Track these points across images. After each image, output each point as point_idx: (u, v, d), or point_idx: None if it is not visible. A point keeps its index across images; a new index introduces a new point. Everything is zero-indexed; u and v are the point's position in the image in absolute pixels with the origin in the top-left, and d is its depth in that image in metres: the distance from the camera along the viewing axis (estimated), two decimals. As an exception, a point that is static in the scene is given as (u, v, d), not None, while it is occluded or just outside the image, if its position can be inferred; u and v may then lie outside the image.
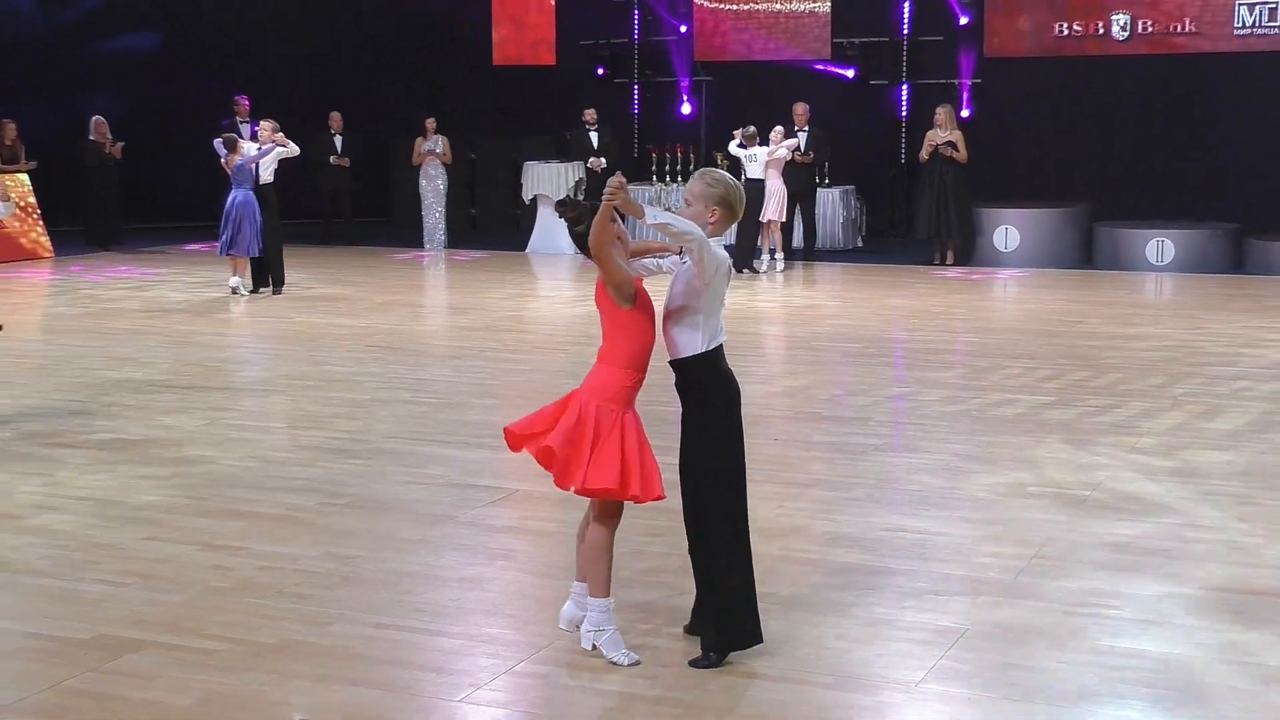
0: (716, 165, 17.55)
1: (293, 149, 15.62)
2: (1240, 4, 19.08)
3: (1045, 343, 12.55)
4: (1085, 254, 18.59)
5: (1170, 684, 5.09)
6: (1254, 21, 19.07)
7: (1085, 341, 12.58)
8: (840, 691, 5.02)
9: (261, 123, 15.99)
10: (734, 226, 5.85)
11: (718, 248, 4.99)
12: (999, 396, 10.13)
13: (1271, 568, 6.34)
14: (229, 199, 15.20)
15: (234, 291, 15.32)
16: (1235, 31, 19.17)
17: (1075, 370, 11.16)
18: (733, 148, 17.48)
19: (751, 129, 17.23)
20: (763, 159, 17.31)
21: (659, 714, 4.88)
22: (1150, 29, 19.51)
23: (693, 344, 5.04)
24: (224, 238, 15.33)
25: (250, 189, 15.22)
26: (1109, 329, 13.36)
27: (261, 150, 15.40)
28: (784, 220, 17.88)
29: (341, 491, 7.63)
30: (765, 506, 7.28)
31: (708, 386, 5.10)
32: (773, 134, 17.43)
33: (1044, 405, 9.82)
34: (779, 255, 17.78)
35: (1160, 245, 17.86)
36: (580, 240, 5.07)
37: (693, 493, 5.14)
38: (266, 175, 15.54)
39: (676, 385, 5.13)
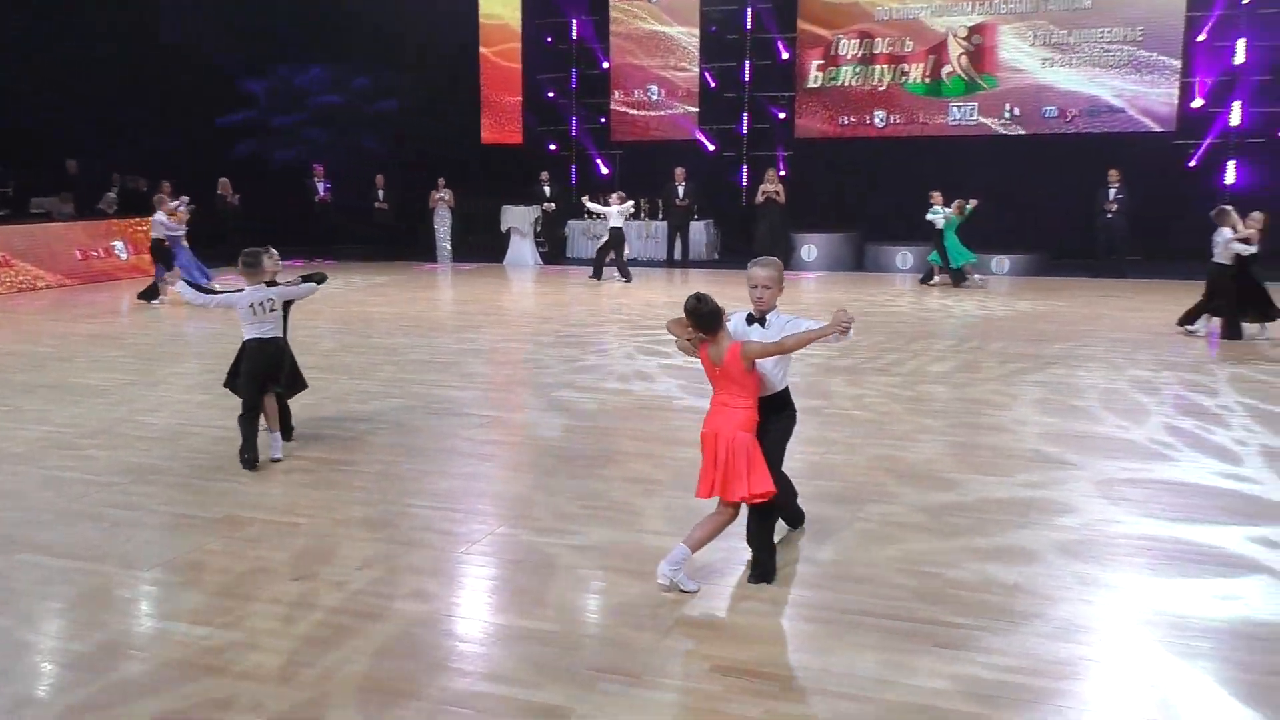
0: (585, 210, 17.53)
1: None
2: (951, 105, 19.34)
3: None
4: (858, 262, 18.78)
5: (896, 527, 5.14)
6: (961, 116, 19.34)
7: (859, 318, 12.61)
8: (674, 537, 5.04)
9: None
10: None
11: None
12: (816, 356, 10.13)
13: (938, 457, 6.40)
14: None
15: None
16: (950, 122, 19.41)
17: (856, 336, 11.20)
18: (592, 205, 17.26)
19: (618, 194, 16.95)
20: (615, 213, 16.56)
21: (582, 563, 4.88)
22: (897, 120, 19.70)
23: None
24: None
25: None
26: (873, 310, 13.46)
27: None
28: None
29: (385, 419, 7.54)
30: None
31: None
32: (613, 197, 16.75)
33: (831, 357, 9.84)
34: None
35: (904, 257, 18.06)
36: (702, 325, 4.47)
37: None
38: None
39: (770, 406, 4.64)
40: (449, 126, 22.01)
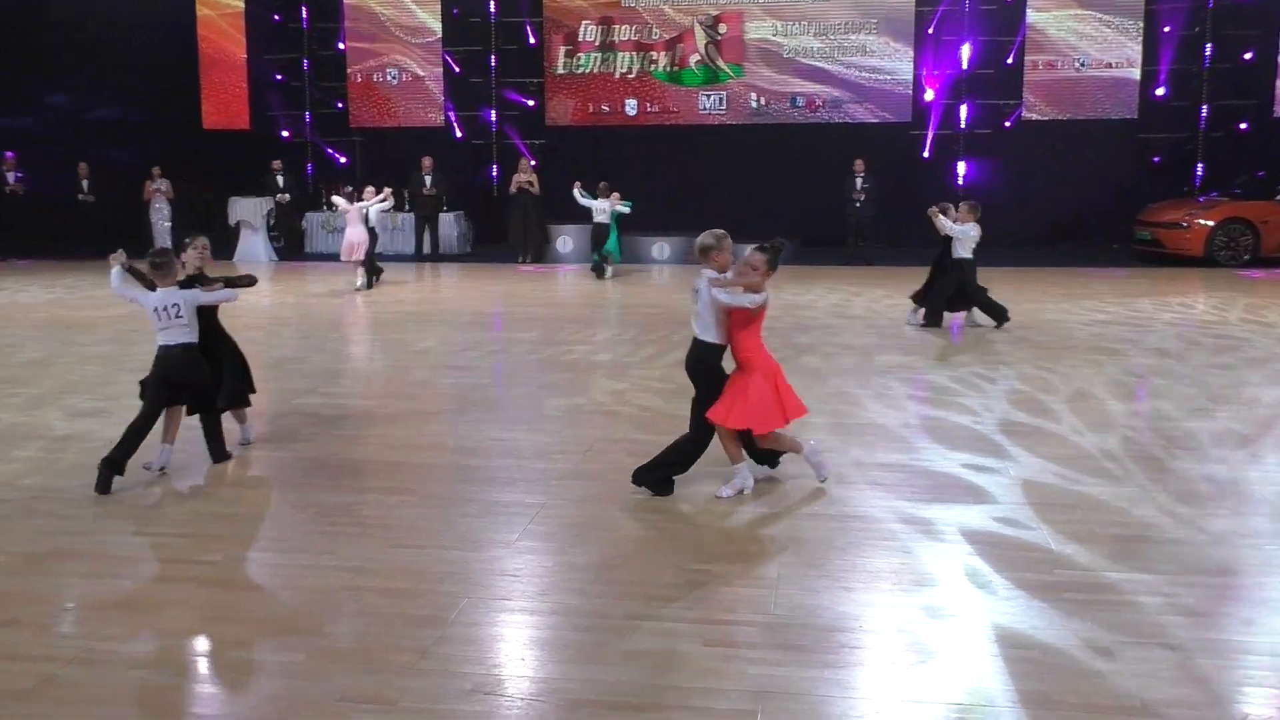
0: (331, 202, 15.41)
1: None
2: (700, 94, 19.97)
3: (594, 311, 12.73)
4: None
5: (663, 529, 5.25)
6: (710, 105, 20.01)
7: (618, 309, 12.83)
8: (462, 550, 4.95)
9: None
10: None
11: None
12: (563, 348, 10.17)
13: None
14: None
15: None
16: (700, 111, 20.04)
17: (612, 328, 11.37)
18: (340, 200, 15.08)
19: (369, 188, 15.02)
20: (368, 207, 14.79)
21: (331, 583, 4.68)
22: (651, 108, 20.14)
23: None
24: None
25: None
26: (631, 300, 13.67)
27: None
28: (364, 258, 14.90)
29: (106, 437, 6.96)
30: (407, 429, 7.09)
31: None
32: (365, 191, 14.83)
33: (592, 351, 9.93)
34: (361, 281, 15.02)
35: (661, 248, 18.49)
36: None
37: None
38: None
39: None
40: (167, 110, 20.64)
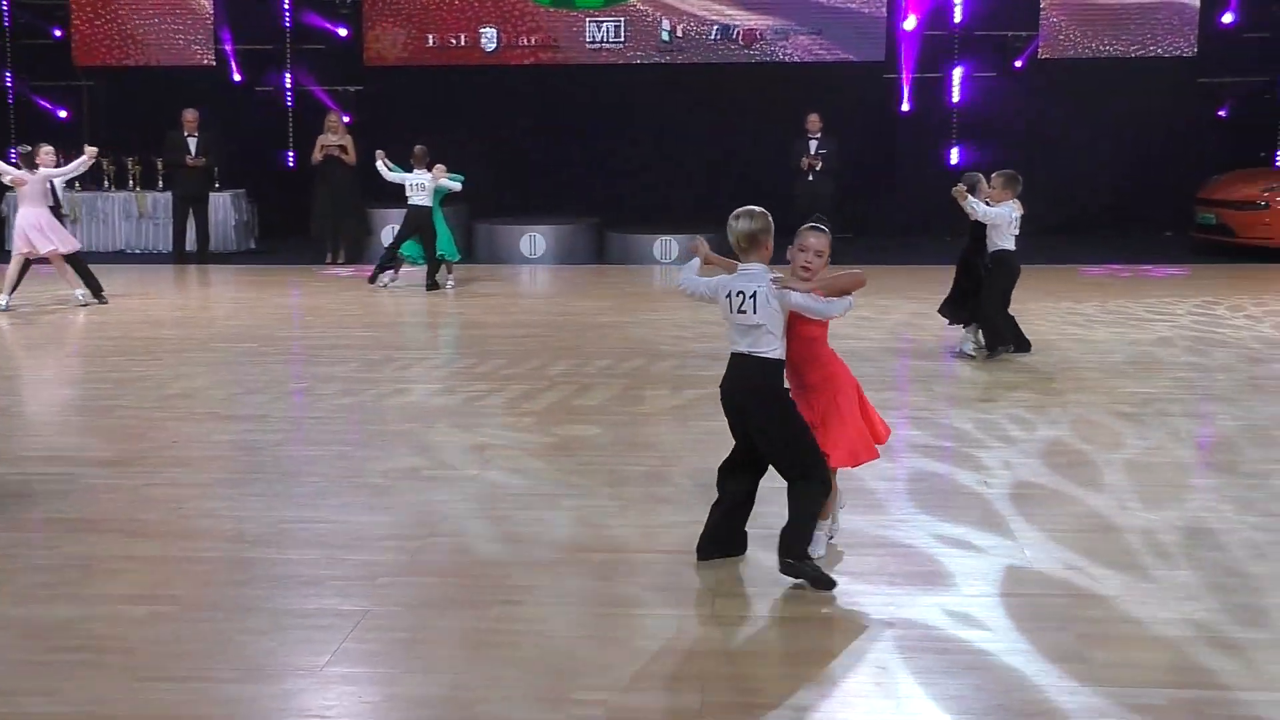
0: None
1: None
2: (590, 20, 20.15)
3: (432, 334, 12.73)
4: (466, 249, 18.99)
5: (547, 644, 5.26)
6: (603, 37, 20.20)
7: (469, 331, 12.85)
8: (245, 684, 4.88)
9: None
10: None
11: (719, 277, 5.97)
12: (391, 387, 10.15)
13: (629, 527, 6.68)
14: None
15: None
16: (588, 45, 20.23)
17: (462, 358, 11.36)
18: (6, 168, 14.59)
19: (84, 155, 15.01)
20: (60, 176, 14.89)
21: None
22: (516, 42, 20.24)
23: None
24: None
25: None
26: (491, 318, 13.70)
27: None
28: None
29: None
30: (161, 509, 7.01)
31: None
32: (41, 153, 14.38)
33: (434, 393, 9.92)
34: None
35: (533, 240, 18.55)
36: None
37: None
38: None
39: None
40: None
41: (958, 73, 20.09)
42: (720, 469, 6.13)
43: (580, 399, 9.74)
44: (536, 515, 6.89)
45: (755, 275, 5.80)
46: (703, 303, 6.15)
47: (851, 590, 5.77)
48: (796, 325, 5.88)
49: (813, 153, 17.97)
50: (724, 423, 6.00)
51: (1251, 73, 19.86)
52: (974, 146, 19.51)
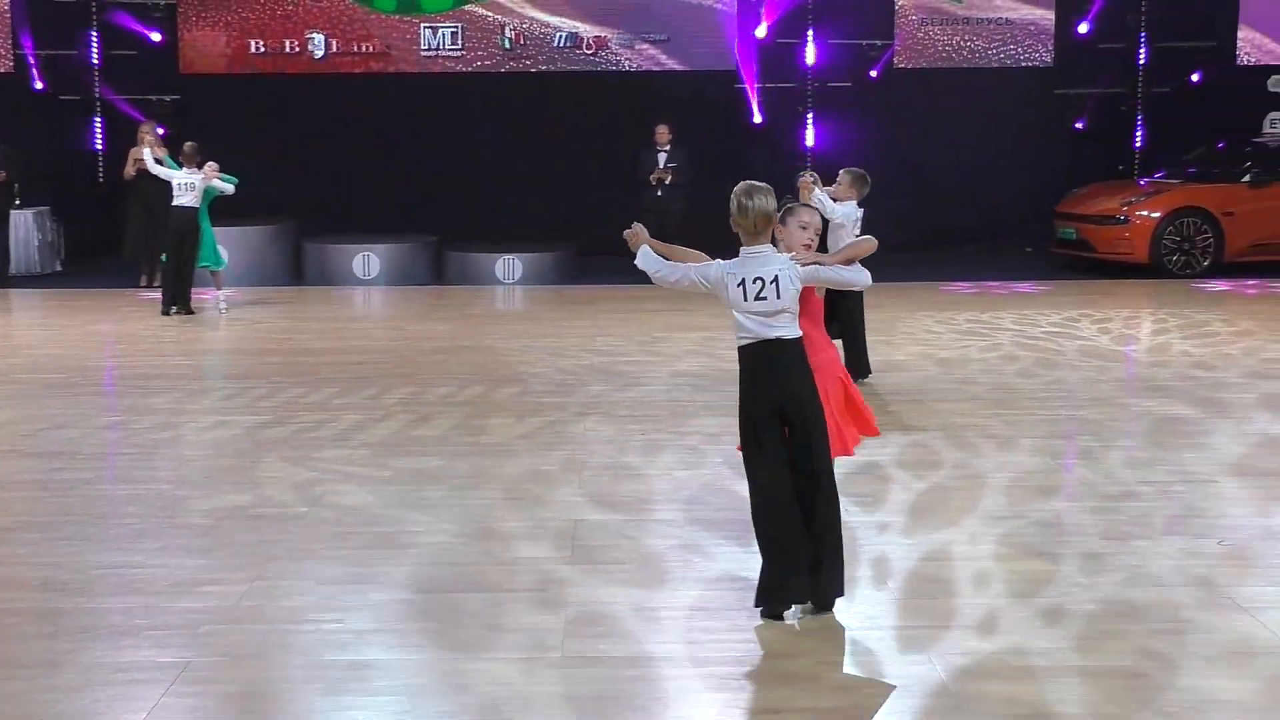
0: None
1: None
2: (425, 26, 20.08)
3: (259, 361, 12.55)
4: (295, 270, 18.81)
5: (393, 689, 5.23)
6: (439, 44, 20.15)
7: (299, 358, 12.70)
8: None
9: None
10: None
11: (709, 265, 5.94)
12: (215, 420, 10.03)
13: (473, 565, 6.67)
14: None
15: None
16: (423, 52, 20.15)
17: (291, 387, 11.21)
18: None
19: None
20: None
21: None
22: (346, 49, 20.08)
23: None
24: None
25: None
26: (322, 344, 13.56)
27: None
28: None
29: None
30: (99, 557, 6.85)
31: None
32: None
33: (261, 425, 9.80)
34: None
35: (366, 260, 18.39)
36: None
37: None
38: None
39: None
40: None
41: (812, 82, 20.37)
42: (779, 505, 5.81)
43: (419, 429, 9.69)
44: (374, 555, 6.84)
45: (769, 257, 5.76)
46: (681, 291, 6.15)
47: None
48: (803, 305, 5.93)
49: (662, 166, 18.11)
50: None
51: (1108, 84, 20.47)
52: (829, 158, 19.79)
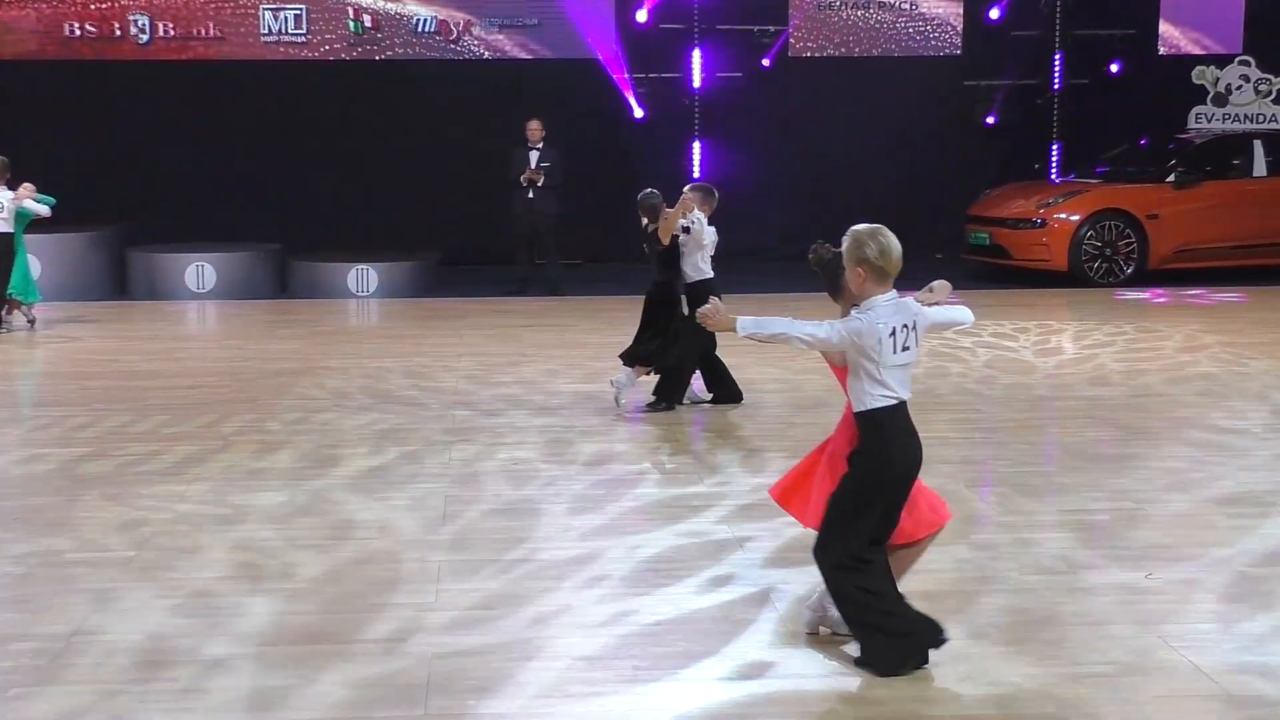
0: None
1: None
2: (265, 9, 19.87)
3: (78, 387, 12.34)
4: (118, 282, 18.56)
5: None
6: (280, 28, 19.95)
7: (124, 382, 12.51)
8: None
9: None
10: None
11: (847, 320, 5.67)
12: (27, 453, 9.88)
13: (326, 614, 6.56)
14: None
15: None
16: (263, 38, 19.94)
17: (115, 415, 11.03)
18: None
19: None
20: None
21: None
22: (173, 33, 19.81)
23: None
24: None
25: None
26: (151, 365, 13.39)
27: None
28: None
29: None
30: None
31: None
32: None
33: (80, 458, 9.65)
34: None
35: (200, 270, 18.15)
36: None
37: None
38: None
39: None
40: None
41: (697, 72, 20.44)
42: (883, 563, 5.78)
43: (262, 461, 9.61)
44: (212, 603, 6.76)
45: (902, 302, 5.70)
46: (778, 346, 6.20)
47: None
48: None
49: (534, 165, 18.05)
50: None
51: (1021, 75, 20.78)
52: (718, 157, 19.90)
